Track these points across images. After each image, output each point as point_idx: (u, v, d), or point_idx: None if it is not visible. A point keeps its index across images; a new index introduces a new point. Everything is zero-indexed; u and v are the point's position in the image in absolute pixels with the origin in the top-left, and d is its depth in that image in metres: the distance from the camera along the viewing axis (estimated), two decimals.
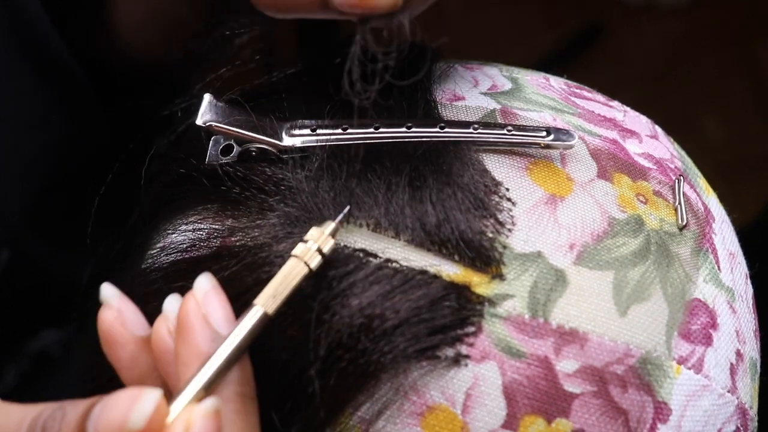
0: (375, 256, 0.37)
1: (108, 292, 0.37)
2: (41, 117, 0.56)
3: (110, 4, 0.58)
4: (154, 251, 0.43)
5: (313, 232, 0.35)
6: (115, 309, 0.36)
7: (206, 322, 0.34)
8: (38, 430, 0.33)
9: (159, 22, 0.57)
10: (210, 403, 0.32)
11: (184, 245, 0.41)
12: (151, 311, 0.39)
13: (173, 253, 0.41)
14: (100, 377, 0.41)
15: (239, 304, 0.35)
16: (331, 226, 0.36)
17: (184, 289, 0.36)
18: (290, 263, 0.35)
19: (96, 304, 0.40)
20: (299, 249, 0.35)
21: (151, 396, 0.31)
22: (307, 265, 0.35)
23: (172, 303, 0.35)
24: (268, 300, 0.34)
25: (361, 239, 0.38)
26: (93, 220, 0.45)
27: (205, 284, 0.34)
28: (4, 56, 0.53)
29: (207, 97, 0.42)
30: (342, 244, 0.37)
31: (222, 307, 0.34)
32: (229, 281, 0.36)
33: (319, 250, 0.35)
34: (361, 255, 0.37)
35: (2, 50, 0.53)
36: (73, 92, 0.57)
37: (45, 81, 0.55)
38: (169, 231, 0.43)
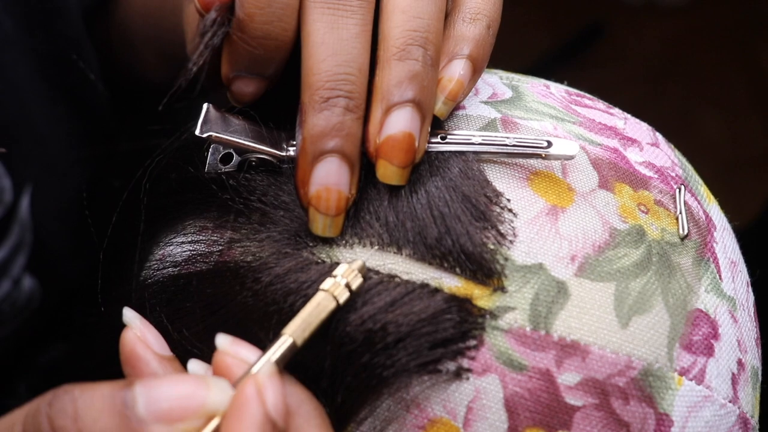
0: (377, 272, 0.37)
1: (130, 314, 0.38)
2: (70, 162, 0.57)
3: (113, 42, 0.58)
4: (153, 263, 0.42)
5: (342, 268, 0.36)
6: (138, 328, 0.37)
7: (243, 362, 0.34)
8: (43, 421, 0.31)
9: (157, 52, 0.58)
10: (269, 366, 0.32)
11: (183, 258, 0.41)
12: (152, 324, 0.39)
13: (171, 265, 0.41)
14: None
15: (242, 327, 0.35)
16: (358, 263, 0.36)
17: (185, 306, 0.36)
18: (319, 296, 0.35)
19: (96, 315, 0.40)
20: (328, 283, 0.35)
21: (223, 382, 0.31)
22: (336, 299, 0.35)
23: (196, 365, 0.36)
24: (296, 330, 0.34)
25: (362, 256, 0.38)
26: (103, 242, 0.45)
27: (225, 339, 0.35)
28: (41, 92, 0.53)
29: (206, 106, 0.41)
30: (344, 260, 0.37)
31: (251, 347, 0.35)
32: (230, 301, 0.36)
33: (348, 286, 0.36)
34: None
35: (41, 83, 0.53)
36: (101, 134, 0.57)
37: (81, 125, 0.56)
38: (167, 242, 0.42)
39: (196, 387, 0.31)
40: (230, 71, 0.40)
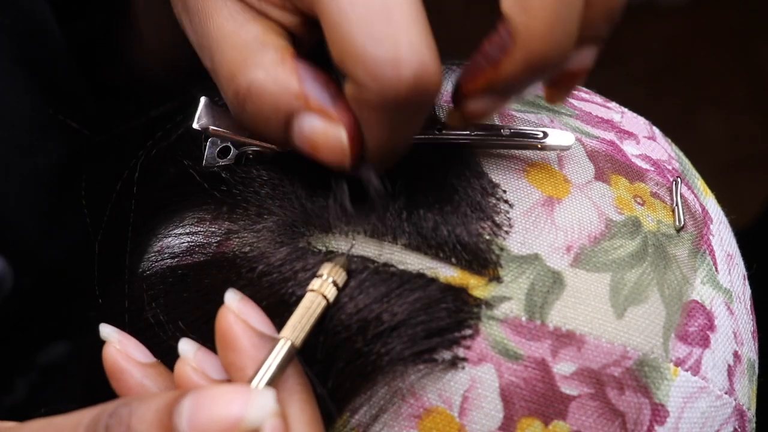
0: (372, 261, 0.37)
1: (106, 330, 0.38)
2: (39, 134, 0.56)
3: (130, 21, 0.58)
4: (151, 255, 0.43)
5: (326, 267, 0.36)
6: (117, 341, 0.37)
7: (248, 326, 0.34)
8: (100, 429, 0.32)
9: (171, 36, 0.57)
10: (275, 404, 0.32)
11: (181, 249, 0.41)
12: (149, 316, 0.39)
13: (170, 257, 0.41)
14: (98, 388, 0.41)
15: None
16: (340, 259, 0.37)
17: (182, 296, 0.36)
18: (309, 297, 0.36)
19: (92, 312, 0.40)
20: (315, 283, 0.36)
21: (269, 393, 0.31)
22: (326, 298, 0.36)
23: (187, 344, 0.36)
24: (293, 332, 0.34)
25: (358, 245, 0.38)
26: (98, 230, 0.45)
27: (234, 296, 0.35)
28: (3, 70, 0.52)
29: (203, 100, 0.41)
30: (340, 250, 0.37)
31: (257, 311, 0.35)
32: (226, 291, 0.37)
33: (334, 283, 0.36)
34: (358, 260, 0.37)
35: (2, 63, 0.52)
36: (71, 108, 0.57)
37: (45, 97, 0.55)
38: (166, 234, 0.43)
39: (235, 402, 0.31)
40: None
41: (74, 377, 0.64)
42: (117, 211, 0.44)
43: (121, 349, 0.37)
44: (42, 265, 0.59)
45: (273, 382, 0.33)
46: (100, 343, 0.38)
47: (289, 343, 0.34)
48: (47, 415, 0.34)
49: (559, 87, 0.38)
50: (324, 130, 0.35)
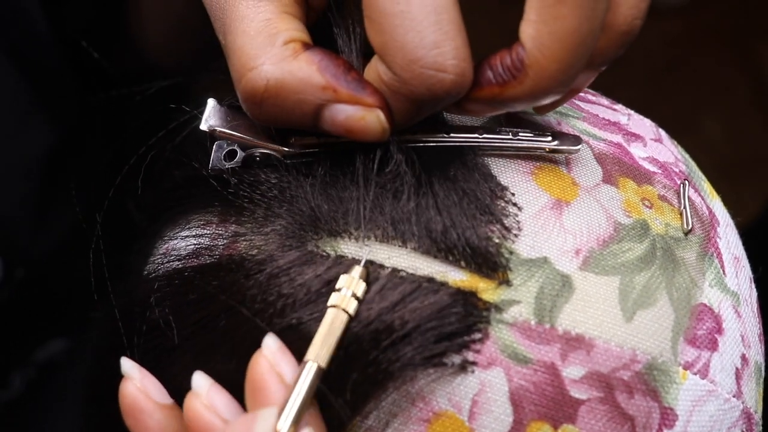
0: (382, 266, 0.37)
1: (128, 365, 0.38)
2: (23, 121, 0.55)
3: (133, 9, 0.57)
4: (156, 257, 0.42)
5: (344, 279, 0.36)
6: (137, 380, 0.37)
7: (281, 380, 0.34)
8: None
9: (175, 26, 0.57)
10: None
11: (187, 251, 0.41)
12: (155, 318, 0.39)
13: (176, 259, 0.41)
14: (99, 387, 0.41)
15: (243, 317, 0.36)
16: (358, 270, 0.36)
17: (189, 298, 0.36)
18: (330, 314, 0.35)
19: (95, 311, 0.40)
20: (335, 298, 0.36)
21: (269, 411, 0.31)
22: (347, 312, 0.36)
23: (201, 379, 0.36)
24: (319, 354, 0.34)
25: (367, 250, 0.37)
26: (96, 226, 0.44)
27: (273, 344, 0.35)
28: None
29: (211, 102, 0.41)
30: (351, 257, 0.37)
31: (293, 364, 0.35)
32: (236, 294, 0.37)
33: (354, 295, 0.36)
34: (372, 267, 0.37)
35: None
36: (56, 94, 0.56)
37: (28, 82, 0.54)
38: (172, 236, 0.42)
39: None
40: None
41: (72, 374, 0.64)
42: (116, 210, 0.44)
43: (142, 388, 0.37)
44: (33, 256, 0.58)
45: (303, 408, 0.33)
46: (103, 344, 0.38)
47: (315, 366, 0.34)
48: (44, 414, 0.34)
49: (551, 104, 0.40)
50: (361, 117, 0.36)
